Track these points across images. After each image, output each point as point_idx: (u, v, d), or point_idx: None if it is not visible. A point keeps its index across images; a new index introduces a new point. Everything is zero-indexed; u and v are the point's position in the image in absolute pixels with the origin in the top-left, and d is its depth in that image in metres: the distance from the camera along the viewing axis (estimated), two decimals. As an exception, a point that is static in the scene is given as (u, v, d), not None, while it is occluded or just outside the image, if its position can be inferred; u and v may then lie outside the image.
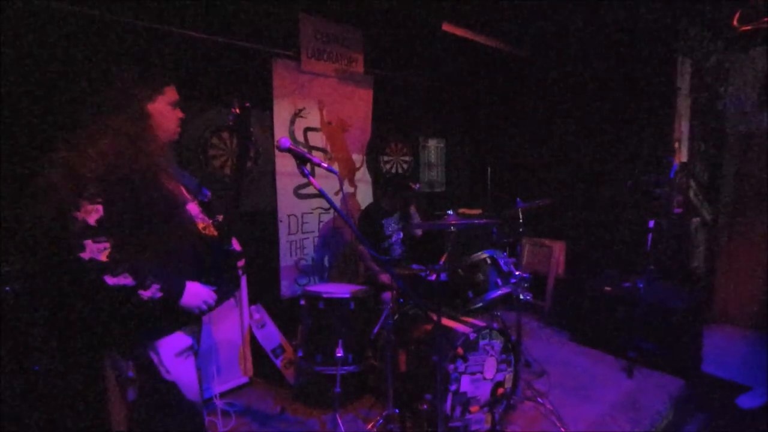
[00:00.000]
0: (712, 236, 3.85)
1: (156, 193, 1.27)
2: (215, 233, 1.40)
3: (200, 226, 1.37)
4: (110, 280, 1.15)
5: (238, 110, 1.39)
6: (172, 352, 1.30)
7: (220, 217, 1.47)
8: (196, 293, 1.30)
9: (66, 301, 1.83)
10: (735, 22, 3.09)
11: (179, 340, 1.32)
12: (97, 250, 1.14)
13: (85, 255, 1.13)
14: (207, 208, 1.45)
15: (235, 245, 1.48)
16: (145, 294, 1.18)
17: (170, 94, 1.38)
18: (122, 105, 1.27)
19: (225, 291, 1.45)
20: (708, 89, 3.61)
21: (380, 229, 2.96)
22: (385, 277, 2.81)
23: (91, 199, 1.15)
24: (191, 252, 1.33)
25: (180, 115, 1.42)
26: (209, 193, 1.51)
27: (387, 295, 2.77)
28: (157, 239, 1.26)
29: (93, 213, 1.15)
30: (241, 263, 1.51)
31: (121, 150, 1.21)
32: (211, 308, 1.34)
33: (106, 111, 1.26)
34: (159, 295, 1.20)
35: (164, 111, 1.36)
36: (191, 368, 1.37)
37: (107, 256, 1.14)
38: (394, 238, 3.03)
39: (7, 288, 1.72)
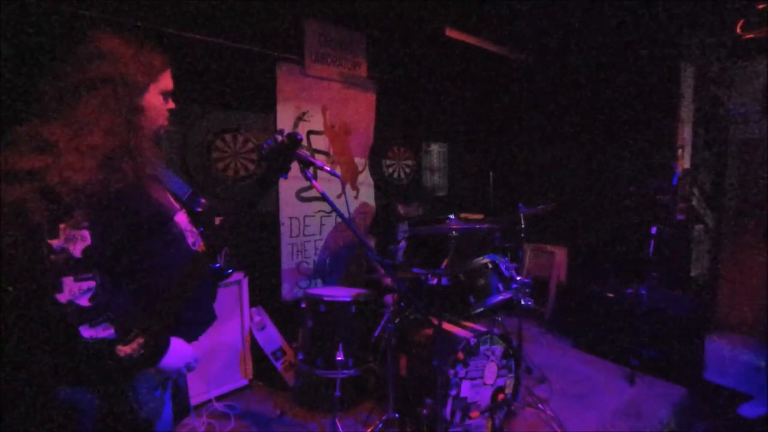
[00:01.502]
0: (714, 243, 3.83)
1: (144, 207, 1.03)
2: (204, 248, 1.17)
3: (189, 241, 1.16)
4: (87, 332, 0.91)
5: (285, 140, 1.17)
6: (149, 385, 1.08)
7: (218, 220, 1.30)
8: (179, 354, 1.08)
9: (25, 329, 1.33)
10: (739, 29, 3.10)
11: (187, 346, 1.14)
12: (78, 291, 0.89)
13: (63, 297, 0.88)
14: (196, 218, 1.25)
15: (220, 263, 1.27)
16: (124, 350, 0.95)
17: (164, 81, 1.14)
18: (112, 96, 1.00)
19: (210, 312, 1.26)
20: (711, 96, 3.61)
21: (394, 230, 3.00)
22: (388, 280, 2.81)
23: (74, 223, 0.89)
24: (179, 275, 1.09)
25: (171, 106, 1.17)
26: (204, 201, 1.29)
27: (389, 298, 2.78)
28: (146, 264, 1.04)
29: (77, 241, 0.89)
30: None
31: (109, 156, 0.95)
32: (190, 371, 1.14)
33: (90, 103, 0.98)
34: (139, 353, 0.97)
35: (156, 102, 1.12)
36: (167, 401, 1.16)
37: (90, 299, 0.90)
38: (402, 244, 3.05)
39: None
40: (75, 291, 0.89)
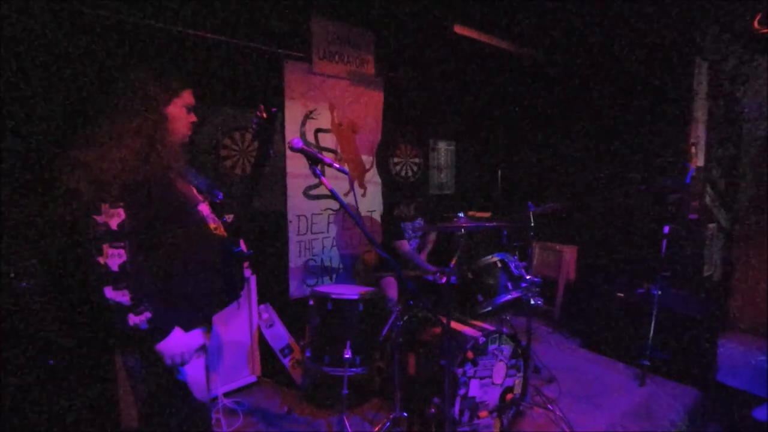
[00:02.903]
0: (728, 243, 3.76)
1: (170, 195, 1.28)
2: (225, 234, 1.42)
3: (212, 226, 1.38)
4: (109, 293, 1.14)
5: (264, 115, 1.37)
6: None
7: (230, 218, 1.49)
8: (178, 342, 1.24)
9: (80, 299, 1.86)
10: (756, 24, 3.02)
11: (194, 336, 1.32)
12: (111, 256, 1.14)
13: (101, 259, 1.13)
14: (218, 208, 1.46)
15: (243, 246, 1.49)
16: (133, 319, 1.16)
17: (186, 97, 1.39)
18: (141, 107, 1.28)
19: (232, 292, 1.46)
20: (726, 93, 3.54)
21: (401, 230, 3.01)
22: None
23: (112, 203, 1.15)
24: (202, 253, 1.34)
25: (193, 119, 1.42)
26: (221, 195, 1.52)
27: (393, 293, 2.79)
28: (171, 241, 1.27)
29: (115, 217, 1.15)
30: (246, 264, 1.54)
31: (140, 153, 1.22)
32: (184, 363, 1.28)
33: (125, 112, 1.26)
34: (145, 326, 1.17)
35: (179, 114, 1.37)
36: (201, 368, 1.37)
37: (119, 266, 1.14)
38: (411, 244, 3.05)
39: (23, 284, 1.75)
40: (110, 255, 1.14)
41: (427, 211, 3.26)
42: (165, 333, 1.22)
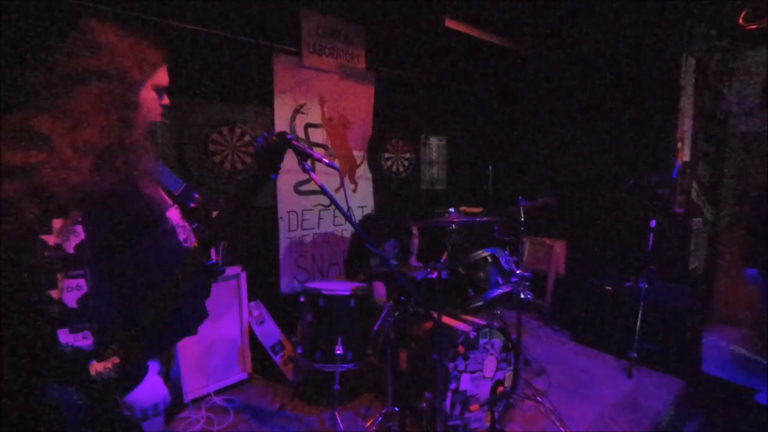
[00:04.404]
0: (713, 237, 3.83)
1: (136, 202, 1.02)
2: (195, 244, 1.15)
3: (181, 237, 1.13)
4: (64, 337, 0.86)
5: (275, 138, 1.13)
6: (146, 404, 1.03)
7: (213, 214, 1.27)
8: (150, 391, 1.01)
9: (22, 348, 1.22)
10: (741, 21, 3.07)
11: (151, 388, 1.04)
12: (67, 288, 0.86)
13: (54, 293, 0.85)
14: (189, 213, 1.22)
15: (214, 258, 1.24)
16: (96, 368, 0.90)
17: (160, 77, 1.11)
18: (105, 87, 0.97)
19: (202, 310, 1.23)
20: (712, 88, 3.59)
21: (367, 254, 3.00)
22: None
23: (68, 219, 0.88)
24: (170, 270, 1.06)
25: (165, 102, 1.15)
26: (198, 197, 1.26)
27: (381, 293, 2.78)
28: (136, 261, 1.02)
29: (71, 236, 0.87)
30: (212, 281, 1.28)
31: (103, 153, 0.93)
32: (157, 414, 1.05)
33: (82, 94, 0.95)
34: (111, 376, 0.91)
35: (150, 98, 1.09)
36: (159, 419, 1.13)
37: (78, 301, 0.87)
38: (387, 249, 3.03)
39: None
40: (66, 288, 0.86)
41: (398, 229, 3.22)
42: (138, 379, 0.98)
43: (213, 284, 1.30)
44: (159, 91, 1.12)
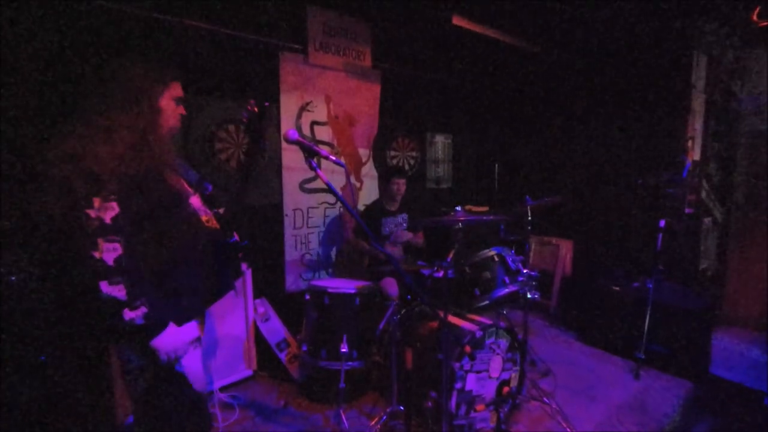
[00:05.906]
0: (723, 237, 3.78)
1: (162, 188, 1.27)
2: (217, 226, 1.42)
3: (204, 218, 1.38)
4: (105, 288, 1.12)
5: (255, 109, 1.36)
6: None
7: (222, 210, 1.49)
8: (172, 338, 1.23)
9: (72, 294, 1.82)
10: (755, 17, 3.01)
11: (188, 330, 1.31)
12: (106, 250, 1.12)
13: (97, 253, 1.12)
14: (208, 201, 1.46)
15: (236, 237, 1.50)
16: (129, 315, 1.15)
17: (175, 89, 1.38)
18: (133, 100, 1.26)
19: (227, 282, 1.48)
20: (723, 87, 3.53)
21: (378, 227, 2.97)
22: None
23: (105, 197, 1.14)
24: (195, 245, 1.33)
25: (182, 111, 1.41)
26: (211, 187, 1.52)
27: (394, 291, 2.76)
28: (164, 234, 1.25)
29: (108, 210, 1.14)
30: (240, 254, 1.52)
31: (132, 146, 1.21)
32: (178, 358, 1.27)
33: (117, 105, 1.25)
34: (141, 322, 1.16)
35: (167, 107, 1.36)
36: (198, 360, 1.37)
37: (115, 260, 1.13)
38: (392, 239, 3.01)
39: (12, 278, 1.71)
40: (105, 250, 1.13)
41: (416, 207, 3.19)
42: (160, 328, 1.22)
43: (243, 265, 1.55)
44: (176, 101, 1.39)
